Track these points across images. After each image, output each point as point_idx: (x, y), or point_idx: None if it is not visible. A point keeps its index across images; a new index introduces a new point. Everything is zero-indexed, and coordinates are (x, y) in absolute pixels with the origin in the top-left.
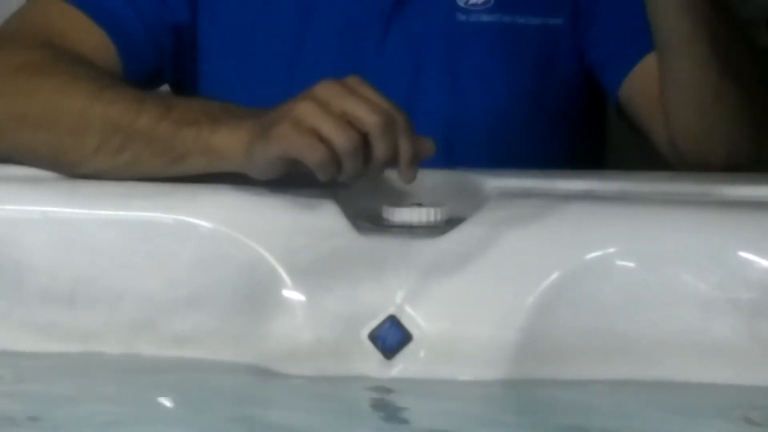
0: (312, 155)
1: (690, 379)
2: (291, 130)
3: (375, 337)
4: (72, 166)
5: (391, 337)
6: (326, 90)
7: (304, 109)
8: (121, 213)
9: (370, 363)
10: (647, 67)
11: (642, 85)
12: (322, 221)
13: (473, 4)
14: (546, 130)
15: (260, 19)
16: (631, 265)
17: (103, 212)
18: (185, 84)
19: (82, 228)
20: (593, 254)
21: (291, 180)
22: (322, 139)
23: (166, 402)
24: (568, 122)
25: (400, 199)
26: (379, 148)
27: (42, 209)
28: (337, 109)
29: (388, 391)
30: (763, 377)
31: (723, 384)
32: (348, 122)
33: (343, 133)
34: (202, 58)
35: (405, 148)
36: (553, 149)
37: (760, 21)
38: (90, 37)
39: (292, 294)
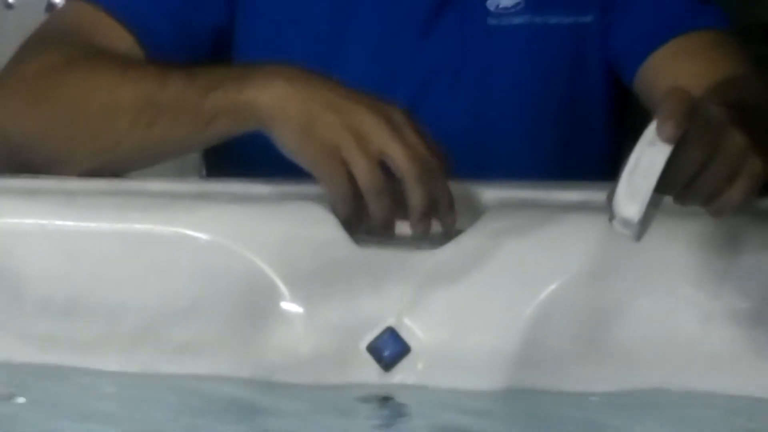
0: (335, 187)
1: (690, 389)
2: (323, 155)
3: (373, 348)
4: (109, 150)
5: (390, 349)
6: (371, 125)
7: (343, 140)
8: (119, 225)
9: (369, 374)
10: (657, 61)
11: (651, 80)
12: (320, 233)
13: (504, 8)
14: (577, 130)
15: (295, 22)
16: (630, 275)
17: (101, 224)
18: None
19: (81, 240)
20: (591, 264)
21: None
22: (349, 174)
23: (165, 414)
24: (596, 122)
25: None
26: (415, 196)
27: (40, 221)
28: (375, 150)
29: (387, 402)
30: (762, 387)
31: (723, 394)
32: (380, 163)
33: (371, 176)
34: (237, 60)
35: (443, 195)
36: (583, 150)
37: (761, 25)
38: (120, 43)
39: (291, 306)
